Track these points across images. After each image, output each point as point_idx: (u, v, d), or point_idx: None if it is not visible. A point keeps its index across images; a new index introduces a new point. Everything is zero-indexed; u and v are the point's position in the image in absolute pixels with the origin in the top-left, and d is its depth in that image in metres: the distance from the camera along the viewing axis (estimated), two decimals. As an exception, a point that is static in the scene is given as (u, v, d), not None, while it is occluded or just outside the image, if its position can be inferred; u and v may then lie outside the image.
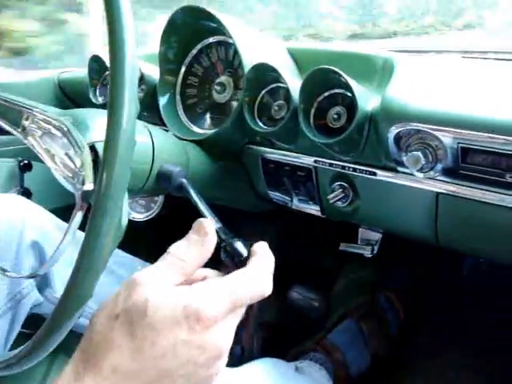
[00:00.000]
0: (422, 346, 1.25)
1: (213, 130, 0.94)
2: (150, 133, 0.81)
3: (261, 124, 0.87)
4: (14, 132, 0.77)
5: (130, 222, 0.53)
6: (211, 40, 0.99)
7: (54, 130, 0.73)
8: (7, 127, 0.78)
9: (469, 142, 0.65)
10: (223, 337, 0.44)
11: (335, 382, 1.15)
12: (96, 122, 0.76)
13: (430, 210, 0.78)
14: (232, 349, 1.09)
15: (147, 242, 1.56)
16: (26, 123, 0.76)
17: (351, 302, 1.33)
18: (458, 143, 0.66)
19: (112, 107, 0.49)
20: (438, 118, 0.66)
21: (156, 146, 0.80)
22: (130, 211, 1.30)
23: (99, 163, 0.68)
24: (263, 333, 1.42)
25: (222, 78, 1.00)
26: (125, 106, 0.49)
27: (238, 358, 1.28)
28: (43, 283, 0.89)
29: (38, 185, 1.31)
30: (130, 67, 0.50)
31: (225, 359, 0.46)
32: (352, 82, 0.73)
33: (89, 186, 0.63)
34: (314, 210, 0.98)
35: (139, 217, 1.28)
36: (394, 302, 1.31)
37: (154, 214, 1.26)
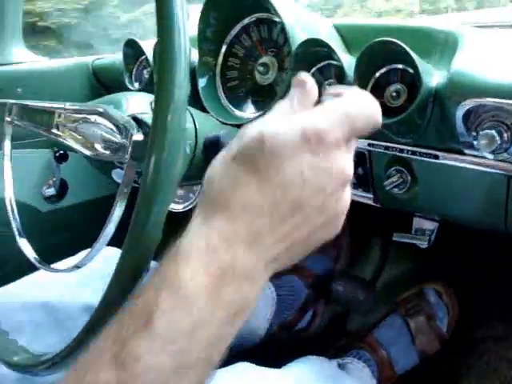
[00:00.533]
0: (475, 343, 1.17)
1: (257, 114, 0.88)
2: (193, 116, 0.76)
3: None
4: (48, 134, 0.73)
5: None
6: (254, 17, 0.93)
7: (88, 116, 0.69)
8: (41, 131, 0.75)
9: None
10: (346, 162, 0.41)
11: (379, 380, 1.09)
12: (131, 101, 0.72)
13: (499, 195, 0.71)
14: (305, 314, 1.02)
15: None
16: (59, 120, 0.73)
17: (397, 295, 1.26)
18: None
19: (160, 88, 0.44)
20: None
21: (198, 131, 0.75)
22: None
23: (144, 132, 0.65)
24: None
25: (265, 59, 0.94)
26: (175, 89, 0.44)
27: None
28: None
29: (74, 176, 1.28)
30: (182, 42, 0.45)
31: (348, 193, 0.44)
32: (415, 56, 0.66)
33: (138, 136, 0.60)
34: (365, 197, 0.91)
35: (178, 207, 1.23)
36: (444, 295, 1.22)
37: (193, 204, 1.21)
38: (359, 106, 0.42)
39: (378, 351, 1.13)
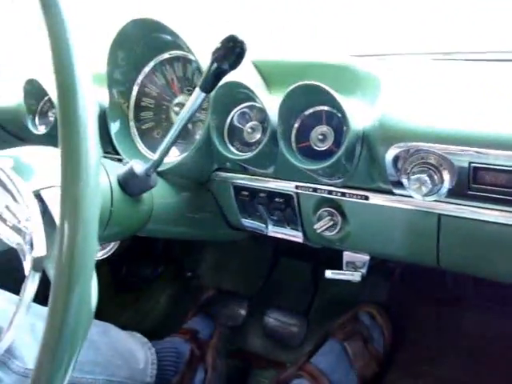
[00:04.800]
0: (411, 364, 1.18)
1: (176, 159, 0.83)
2: (106, 169, 0.70)
3: (233, 149, 0.77)
4: None
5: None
6: (166, 56, 0.88)
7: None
8: None
9: (483, 161, 0.57)
10: None
11: None
12: (41, 165, 0.64)
13: (431, 233, 0.70)
14: (195, 370, 0.98)
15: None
16: None
17: (331, 321, 1.25)
18: (470, 163, 0.58)
19: (67, 156, 0.38)
20: (449, 136, 0.58)
21: (113, 184, 0.69)
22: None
23: (47, 216, 0.57)
24: (232, 360, 1.33)
25: (181, 98, 0.89)
26: (83, 154, 0.38)
27: (200, 380, 1.20)
28: (6, 359, 0.82)
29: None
30: (84, 100, 0.39)
31: None
32: (340, 99, 0.64)
33: (40, 251, 0.51)
34: (293, 236, 0.88)
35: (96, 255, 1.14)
36: (377, 317, 1.23)
37: (112, 251, 1.13)
38: None
39: (320, 379, 1.11)
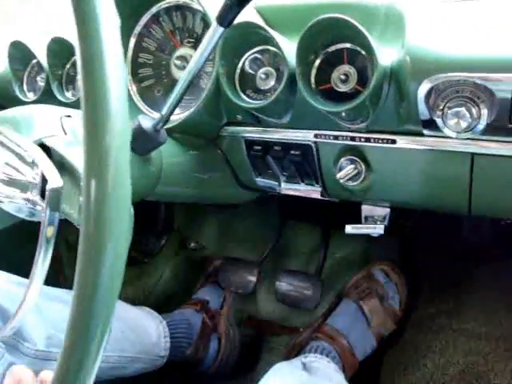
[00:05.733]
0: (428, 319, 1.15)
1: (183, 114, 0.77)
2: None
3: (245, 98, 0.71)
4: None
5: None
6: (164, 5, 0.81)
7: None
8: None
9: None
10: None
11: (343, 369, 1.04)
12: (37, 118, 0.59)
13: (462, 176, 0.66)
14: (208, 340, 0.95)
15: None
16: None
17: (345, 282, 1.22)
18: (513, 90, 0.53)
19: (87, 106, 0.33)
20: (489, 62, 0.53)
21: None
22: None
23: (56, 161, 0.52)
24: (244, 328, 1.30)
25: (182, 51, 0.83)
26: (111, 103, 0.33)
27: (215, 349, 1.19)
28: (16, 342, 0.79)
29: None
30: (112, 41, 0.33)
31: None
32: (367, 33, 0.58)
33: (55, 182, 0.46)
34: (309, 191, 0.84)
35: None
36: (391, 274, 1.20)
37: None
38: None
39: (338, 340, 1.08)
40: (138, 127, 0.64)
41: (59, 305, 0.87)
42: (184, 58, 0.82)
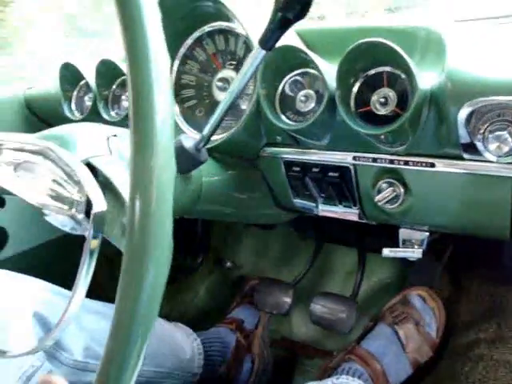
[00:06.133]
0: (467, 348, 1.12)
1: (223, 135, 0.78)
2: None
3: (286, 120, 0.73)
4: None
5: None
6: (207, 28, 0.84)
7: (31, 157, 0.57)
8: None
9: None
10: None
11: None
12: (84, 137, 0.61)
13: (503, 201, 0.65)
14: (242, 360, 0.95)
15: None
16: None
17: (379, 307, 1.20)
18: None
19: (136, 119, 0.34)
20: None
21: None
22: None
23: (101, 182, 0.54)
24: (278, 349, 1.29)
25: (224, 73, 0.85)
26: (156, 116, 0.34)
27: (248, 369, 1.19)
28: (54, 351, 0.80)
29: (13, 221, 1.13)
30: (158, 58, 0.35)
31: None
32: (406, 57, 0.59)
33: (100, 206, 0.48)
34: (346, 214, 0.84)
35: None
36: (428, 300, 1.17)
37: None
38: None
39: (371, 363, 1.06)
40: (180, 146, 0.65)
41: (97, 317, 0.89)
42: (226, 80, 0.84)
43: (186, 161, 0.67)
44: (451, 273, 1.25)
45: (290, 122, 0.72)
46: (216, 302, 1.48)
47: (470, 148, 0.61)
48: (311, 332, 1.32)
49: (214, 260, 1.53)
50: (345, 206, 0.83)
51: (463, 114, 0.57)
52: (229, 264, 1.53)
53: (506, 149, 0.55)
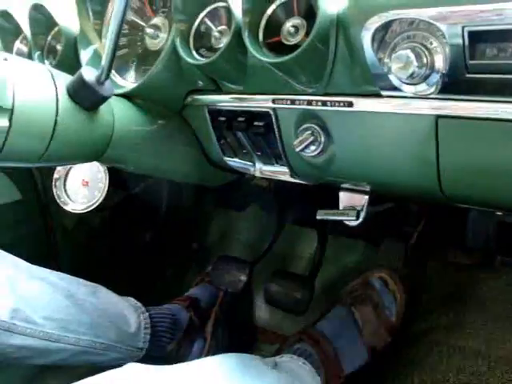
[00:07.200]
0: (425, 333, 1.05)
1: (142, 78, 0.74)
2: (53, 77, 0.62)
3: (197, 56, 0.68)
4: None
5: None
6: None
7: None
8: None
9: (479, 23, 0.45)
10: None
11: (325, 377, 0.95)
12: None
13: (428, 143, 0.58)
14: (194, 339, 0.87)
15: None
16: None
17: (340, 288, 1.13)
18: (464, 27, 0.46)
19: None
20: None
21: (59, 92, 0.61)
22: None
23: None
24: (236, 331, 1.26)
25: (156, 20, 0.80)
26: None
27: (199, 349, 1.13)
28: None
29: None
30: None
31: None
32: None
33: None
34: (281, 172, 0.78)
35: (79, 208, 1.07)
36: (389, 283, 1.10)
37: (97, 203, 1.05)
38: None
39: (322, 344, 0.99)
40: (80, 79, 0.61)
41: (38, 283, 0.86)
42: (157, 27, 0.79)
43: (88, 94, 0.62)
44: (417, 257, 1.18)
45: (200, 58, 0.67)
46: (181, 284, 1.43)
47: (384, 81, 0.55)
48: (271, 315, 1.26)
49: (180, 241, 1.49)
50: (281, 166, 0.78)
51: (367, 34, 0.51)
52: (195, 245, 1.48)
53: (410, 70, 0.49)
